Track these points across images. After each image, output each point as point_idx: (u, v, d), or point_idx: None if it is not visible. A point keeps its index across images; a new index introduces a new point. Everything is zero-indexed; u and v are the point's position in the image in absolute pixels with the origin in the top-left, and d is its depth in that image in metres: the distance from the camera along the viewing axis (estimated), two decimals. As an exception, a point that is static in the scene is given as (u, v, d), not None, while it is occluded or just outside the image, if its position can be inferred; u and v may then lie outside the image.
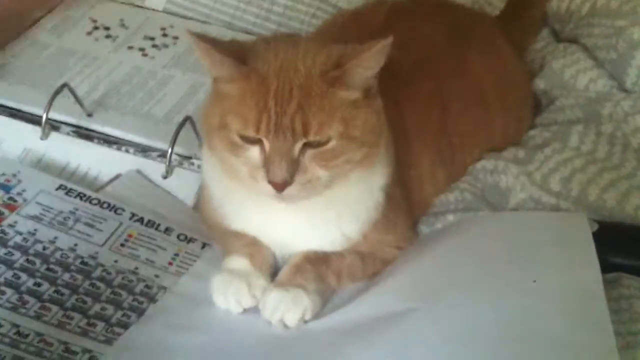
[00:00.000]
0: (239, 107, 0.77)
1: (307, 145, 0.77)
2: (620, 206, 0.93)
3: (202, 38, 0.77)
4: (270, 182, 0.76)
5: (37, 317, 0.79)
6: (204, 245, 0.94)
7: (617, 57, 1.16)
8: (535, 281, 0.77)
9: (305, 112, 0.76)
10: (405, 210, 0.94)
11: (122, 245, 0.90)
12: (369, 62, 0.77)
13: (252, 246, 0.88)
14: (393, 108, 0.87)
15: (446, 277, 0.82)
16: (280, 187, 0.76)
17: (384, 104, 0.83)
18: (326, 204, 0.84)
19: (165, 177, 1.03)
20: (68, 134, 1.07)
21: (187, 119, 1.03)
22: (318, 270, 0.86)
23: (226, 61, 0.77)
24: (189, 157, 1.04)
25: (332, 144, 0.77)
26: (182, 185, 1.03)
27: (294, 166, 0.76)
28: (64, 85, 1.06)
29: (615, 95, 1.12)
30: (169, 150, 1.01)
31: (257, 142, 0.77)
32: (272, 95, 0.76)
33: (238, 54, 0.78)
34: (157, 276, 0.88)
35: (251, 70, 0.77)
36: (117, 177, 1.02)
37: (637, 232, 0.90)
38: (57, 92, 1.05)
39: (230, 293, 0.84)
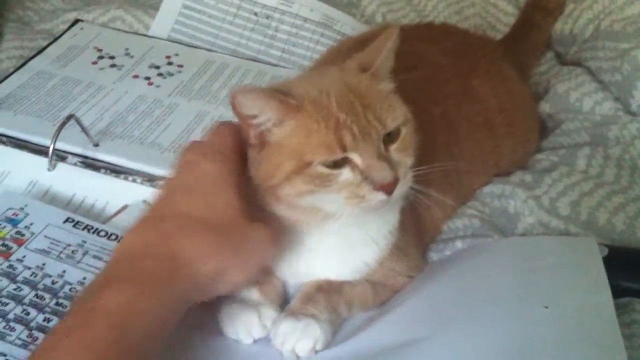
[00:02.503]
0: (310, 140, 0.76)
1: (387, 144, 0.78)
2: (630, 230, 0.93)
3: (244, 90, 0.77)
4: (381, 188, 0.76)
5: (47, 352, 0.78)
6: (213, 275, 0.94)
7: (622, 80, 1.16)
8: (547, 307, 0.77)
9: (373, 109, 0.77)
10: (416, 237, 0.94)
11: (130, 276, 0.90)
12: (390, 53, 0.82)
13: (261, 275, 0.87)
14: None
15: (456, 305, 0.82)
16: (391, 188, 0.76)
17: None
18: (351, 229, 0.83)
19: (172, 207, 1.02)
20: (75, 164, 1.07)
21: (193, 147, 1.03)
22: (330, 300, 0.85)
23: (272, 103, 0.76)
24: (196, 186, 1.04)
25: (403, 131, 0.79)
26: (189, 214, 1.02)
27: (391, 163, 0.77)
28: (71, 116, 1.06)
29: (621, 118, 1.12)
30: (176, 180, 1.01)
31: (344, 162, 0.76)
32: (336, 109, 0.76)
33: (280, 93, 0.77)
34: (166, 307, 0.87)
35: (300, 101, 0.76)
36: (125, 207, 1.02)
37: (647, 256, 0.90)
38: (64, 124, 1.04)
39: (240, 323, 0.83)
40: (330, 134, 0.75)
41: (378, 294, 0.89)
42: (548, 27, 1.36)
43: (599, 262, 0.82)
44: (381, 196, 0.76)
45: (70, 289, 0.86)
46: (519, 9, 1.46)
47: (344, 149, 0.75)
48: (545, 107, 1.20)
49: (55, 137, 1.04)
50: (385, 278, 0.89)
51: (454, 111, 1.03)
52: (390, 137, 0.78)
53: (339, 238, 0.84)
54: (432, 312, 0.82)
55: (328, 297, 0.85)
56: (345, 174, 0.76)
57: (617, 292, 0.80)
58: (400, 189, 0.77)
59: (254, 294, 0.85)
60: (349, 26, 1.40)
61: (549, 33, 1.36)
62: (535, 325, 0.75)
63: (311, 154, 0.75)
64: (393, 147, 0.78)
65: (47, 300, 0.84)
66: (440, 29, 1.25)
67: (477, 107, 1.07)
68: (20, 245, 0.90)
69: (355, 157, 0.76)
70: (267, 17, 1.40)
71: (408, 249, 0.91)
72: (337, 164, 0.76)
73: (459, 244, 0.95)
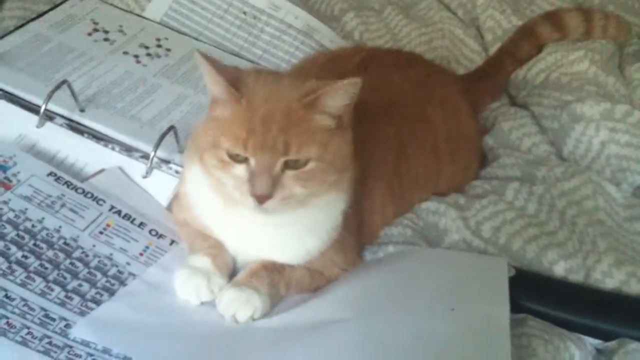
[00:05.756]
0: (230, 129, 0.88)
1: (288, 167, 0.88)
2: (538, 258, 1.05)
3: (209, 59, 0.89)
4: (253, 195, 0.88)
5: (23, 284, 0.90)
6: (172, 242, 1.05)
7: (559, 127, 1.29)
8: (453, 309, 0.90)
9: (287, 134, 0.87)
10: (356, 236, 1.05)
11: (100, 232, 1.01)
12: (336, 94, 0.90)
13: (215, 248, 0.99)
14: (356, 143, 0.97)
15: (379, 297, 0.94)
16: (262, 200, 0.87)
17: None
18: (296, 222, 0.95)
19: (144, 177, 1.12)
20: (61, 125, 1.16)
21: (171, 128, 1.13)
22: (271, 278, 0.97)
23: (223, 85, 0.89)
24: (168, 162, 1.14)
25: (310, 165, 0.89)
26: (159, 186, 1.12)
27: (275, 182, 0.88)
28: (64, 81, 1.15)
29: (551, 161, 1.24)
30: (152, 153, 1.11)
31: (244, 160, 0.88)
32: (259, 119, 0.87)
33: (234, 80, 0.89)
34: (128, 264, 0.99)
35: (242, 96, 0.89)
36: (101, 171, 1.12)
37: (547, 282, 1.03)
38: (58, 87, 1.14)
39: (191, 286, 0.95)
40: (242, 133, 0.87)
41: (314, 280, 1.01)
42: (511, 72, 1.46)
43: (505, 280, 0.95)
44: (253, 202, 0.88)
45: (47, 234, 0.97)
46: (483, 48, 1.58)
47: (245, 149, 0.87)
48: (488, 140, 1.32)
49: (48, 99, 1.13)
50: (324, 268, 1.01)
51: (407, 133, 1.14)
52: (296, 164, 0.89)
53: (284, 225, 0.96)
54: (358, 299, 0.95)
55: (270, 275, 0.97)
56: (239, 168, 0.89)
57: (516, 308, 0.94)
58: (273, 206, 0.88)
59: (206, 263, 0.97)
60: (328, 38, 1.51)
61: (509, 77, 1.46)
62: (441, 322, 0.88)
63: (224, 138, 0.89)
64: (290, 173, 0.89)
65: (26, 240, 0.95)
66: (407, 56, 1.36)
67: (428, 132, 1.18)
68: (7, 189, 1.01)
69: (252, 162, 0.88)
70: (255, 17, 1.51)
71: (347, 246, 1.03)
72: (239, 159, 0.88)
73: (391, 249, 1.07)
